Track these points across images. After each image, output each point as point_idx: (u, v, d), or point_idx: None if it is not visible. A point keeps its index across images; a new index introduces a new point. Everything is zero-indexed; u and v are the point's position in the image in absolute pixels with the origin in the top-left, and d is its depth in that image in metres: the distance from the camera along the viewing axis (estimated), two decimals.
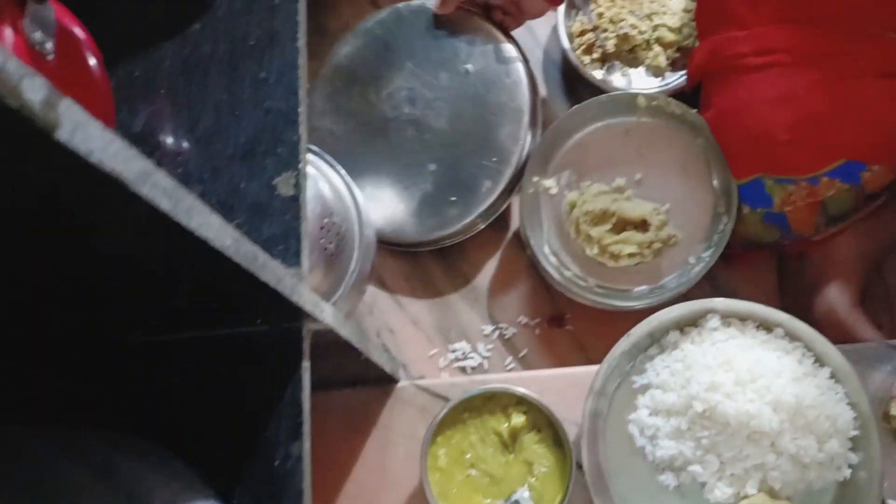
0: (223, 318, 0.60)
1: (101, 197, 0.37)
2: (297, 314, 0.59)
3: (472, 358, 1.02)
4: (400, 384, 0.89)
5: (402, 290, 1.07)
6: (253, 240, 0.61)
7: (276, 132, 0.66)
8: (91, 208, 0.39)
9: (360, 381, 0.88)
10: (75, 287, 0.51)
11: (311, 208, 0.90)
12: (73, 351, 0.60)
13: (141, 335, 0.62)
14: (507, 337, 1.03)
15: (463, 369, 1.02)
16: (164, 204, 0.37)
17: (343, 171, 0.98)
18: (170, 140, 0.66)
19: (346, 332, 0.67)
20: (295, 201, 0.63)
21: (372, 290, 1.06)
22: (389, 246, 1.06)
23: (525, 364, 1.01)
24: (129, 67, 0.69)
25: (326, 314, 0.62)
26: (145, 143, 0.67)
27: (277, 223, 0.63)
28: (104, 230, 0.43)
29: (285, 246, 0.63)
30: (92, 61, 0.61)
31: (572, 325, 1.02)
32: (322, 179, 0.96)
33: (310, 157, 0.96)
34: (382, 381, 0.89)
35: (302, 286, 0.57)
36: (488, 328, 1.04)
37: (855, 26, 0.86)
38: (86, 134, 0.31)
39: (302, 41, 0.67)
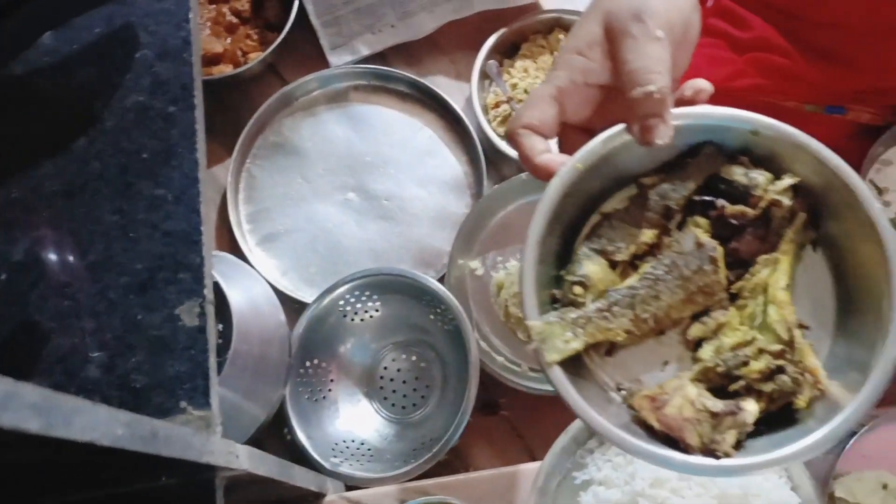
0: (126, 478, 0.53)
1: None
2: (208, 467, 0.53)
3: None
4: (328, 498, 0.83)
5: None
6: (155, 381, 0.55)
7: (177, 256, 0.59)
8: None
9: (286, 501, 0.81)
10: None
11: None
12: None
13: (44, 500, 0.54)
14: None
15: None
16: (33, 425, 0.31)
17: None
18: (56, 270, 0.59)
19: (265, 470, 0.61)
20: (201, 332, 0.57)
21: None
22: None
23: (459, 456, 0.96)
24: (5, 189, 0.62)
25: (242, 460, 0.56)
26: (26, 273, 0.59)
27: (182, 359, 0.57)
28: None
29: (192, 385, 0.57)
30: None
31: (508, 412, 0.98)
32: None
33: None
34: (309, 498, 0.82)
35: (213, 440, 0.51)
36: None
37: (771, 103, 0.86)
38: None
39: (201, 152, 0.62)
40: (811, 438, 0.45)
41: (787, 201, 0.49)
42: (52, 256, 0.59)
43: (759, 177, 0.50)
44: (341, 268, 1.03)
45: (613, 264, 0.51)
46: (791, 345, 0.47)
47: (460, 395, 0.89)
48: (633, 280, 0.50)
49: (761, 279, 0.49)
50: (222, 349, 0.86)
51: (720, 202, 0.50)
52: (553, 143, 0.52)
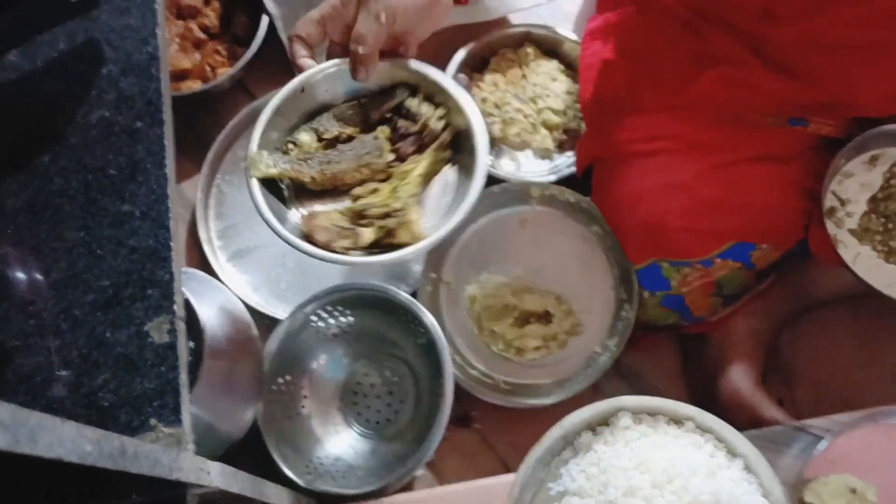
0: (95, 497, 0.52)
1: None
2: (178, 484, 0.52)
3: None
4: None
5: None
6: (123, 399, 0.54)
7: (144, 272, 0.59)
8: None
9: None
10: None
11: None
12: None
13: None
14: None
15: None
16: (0, 441, 0.30)
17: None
18: (20, 288, 0.58)
19: (237, 487, 0.60)
20: (171, 349, 0.57)
21: None
22: None
23: (434, 469, 0.95)
24: None
25: (213, 476, 0.55)
26: None
27: (152, 376, 0.56)
28: None
29: (161, 402, 0.56)
30: None
31: (481, 424, 0.98)
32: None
33: None
34: None
35: (183, 456, 0.50)
36: None
37: (738, 116, 0.87)
38: None
39: (170, 167, 0.61)
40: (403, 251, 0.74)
41: (435, 126, 0.79)
42: (15, 274, 0.58)
43: (425, 108, 0.80)
44: (312, 282, 1.03)
45: (321, 140, 0.80)
46: (412, 203, 0.77)
47: (434, 409, 0.89)
48: (328, 150, 0.79)
49: (407, 169, 0.78)
50: (193, 366, 0.85)
51: (398, 119, 0.80)
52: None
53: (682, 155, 0.88)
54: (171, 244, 0.59)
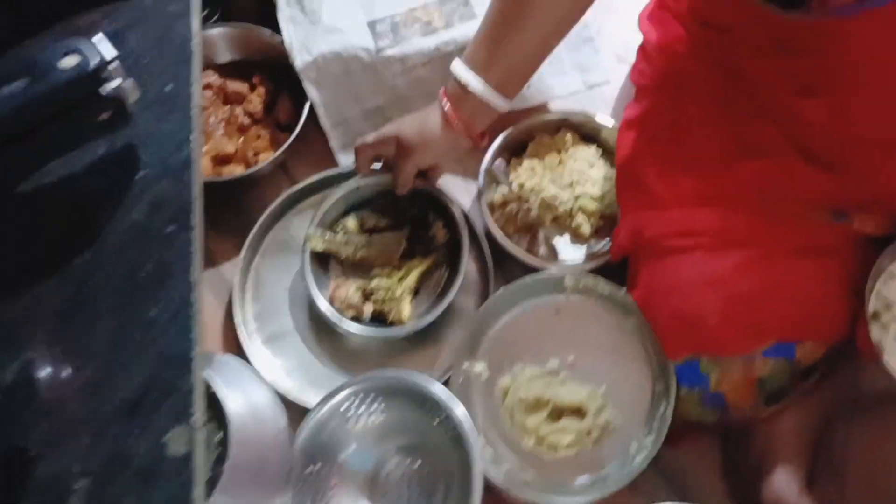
0: None
1: None
2: None
3: None
4: None
5: None
6: None
7: (166, 380, 0.59)
8: None
9: None
10: None
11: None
12: None
13: None
14: None
15: None
16: None
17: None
18: (45, 394, 0.59)
19: None
20: (186, 463, 0.56)
21: None
22: None
23: None
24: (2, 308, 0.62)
25: None
26: (15, 397, 0.59)
27: (166, 489, 0.56)
28: None
29: None
30: None
31: None
32: None
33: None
34: None
35: None
36: None
37: (774, 208, 0.85)
38: None
39: (197, 274, 0.62)
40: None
41: (440, 236, 1.05)
42: (43, 380, 0.59)
43: (435, 219, 1.06)
44: (347, 368, 1.03)
45: (362, 227, 1.06)
46: (408, 292, 1.02)
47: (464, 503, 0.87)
48: (364, 236, 1.05)
49: (412, 265, 1.04)
50: (220, 458, 0.85)
51: (417, 222, 1.07)
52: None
53: (718, 250, 0.85)
54: (193, 353, 0.59)
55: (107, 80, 0.57)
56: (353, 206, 1.06)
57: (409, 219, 1.06)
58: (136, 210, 0.65)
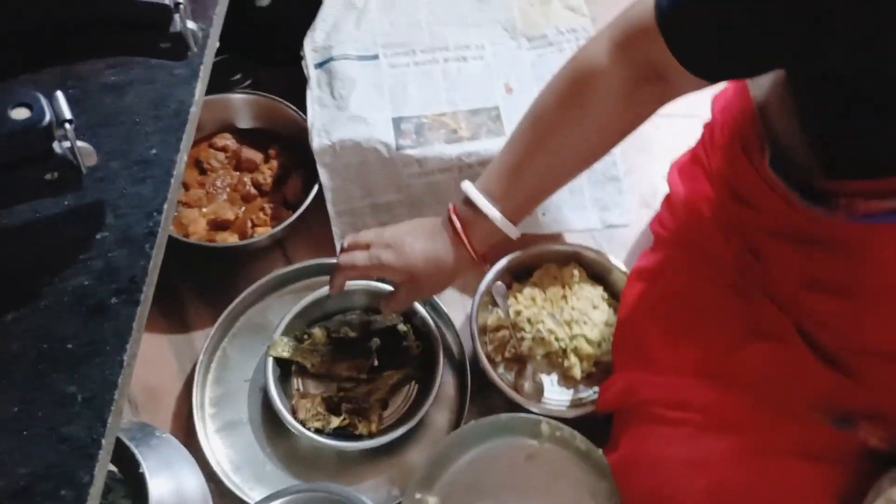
0: None
1: None
2: None
3: None
4: None
5: None
6: None
7: (66, 468, 0.52)
8: None
9: None
10: None
11: None
12: None
13: None
14: None
15: None
16: None
17: None
18: None
19: None
20: None
21: None
22: None
23: None
24: None
25: None
26: None
27: None
28: None
29: None
30: None
31: None
32: None
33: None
34: None
35: None
36: None
37: (780, 401, 0.78)
38: None
39: (129, 355, 0.56)
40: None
41: (413, 349, 1.00)
42: None
43: (410, 333, 1.01)
44: (299, 469, 0.95)
45: (329, 337, 1.01)
46: (377, 405, 0.97)
47: None
48: (331, 347, 1.00)
49: (384, 377, 0.99)
50: None
51: (389, 337, 1.02)
52: None
53: (709, 431, 0.78)
54: (104, 441, 0.53)
55: (59, 139, 0.53)
56: (323, 316, 1.02)
57: (380, 330, 1.01)
58: (85, 274, 0.60)
